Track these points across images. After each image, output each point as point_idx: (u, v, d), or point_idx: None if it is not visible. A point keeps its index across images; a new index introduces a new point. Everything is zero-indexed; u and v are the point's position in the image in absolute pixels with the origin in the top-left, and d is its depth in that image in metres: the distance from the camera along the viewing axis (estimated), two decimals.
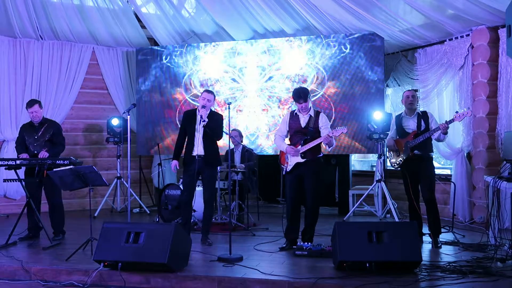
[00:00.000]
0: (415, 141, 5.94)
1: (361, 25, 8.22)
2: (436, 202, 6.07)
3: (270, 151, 9.06)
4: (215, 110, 6.54)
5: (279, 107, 8.96)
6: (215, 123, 6.15)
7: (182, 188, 6.83)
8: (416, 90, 8.29)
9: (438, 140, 6.09)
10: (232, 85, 9.23)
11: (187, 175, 6.20)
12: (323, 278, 4.57)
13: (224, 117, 6.28)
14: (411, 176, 6.06)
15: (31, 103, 6.54)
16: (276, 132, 6.21)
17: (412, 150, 5.96)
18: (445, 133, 5.84)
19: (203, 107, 6.10)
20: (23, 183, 6.27)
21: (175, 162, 6.32)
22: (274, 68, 8.99)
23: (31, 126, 6.61)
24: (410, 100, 6.10)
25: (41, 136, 6.54)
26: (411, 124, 6.12)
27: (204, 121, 6.02)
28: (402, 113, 6.29)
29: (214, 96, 6.30)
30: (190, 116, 6.27)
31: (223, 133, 6.40)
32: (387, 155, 6.44)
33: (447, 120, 5.82)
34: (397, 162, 6.17)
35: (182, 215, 6.31)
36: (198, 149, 6.10)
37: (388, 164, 8.86)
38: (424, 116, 6.09)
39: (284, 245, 5.86)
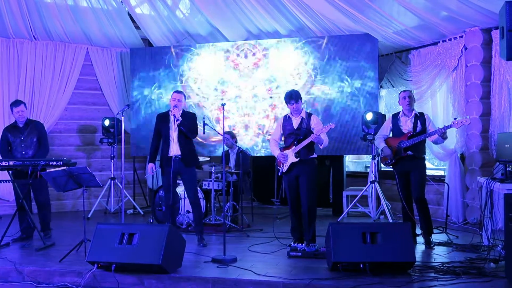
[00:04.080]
0: (409, 142, 5.94)
1: (355, 26, 8.23)
2: (426, 201, 6.07)
3: (263, 152, 9.05)
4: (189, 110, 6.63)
5: (272, 108, 8.96)
6: (189, 121, 6.23)
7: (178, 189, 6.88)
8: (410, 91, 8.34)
9: (436, 142, 6.12)
10: (226, 86, 9.21)
11: (165, 178, 6.27)
12: (317, 279, 4.57)
13: (197, 116, 6.41)
14: (403, 176, 6.08)
15: (17, 103, 6.55)
16: (271, 136, 6.35)
17: (405, 150, 5.98)
18: (444, 137, 5.87)
19: (175, 107, 6.19)
20: (16, 184, 6.24)
21: (151, 164, 6.38)
22: (267, 68, 8.99)
23: (15, 127, 6.58)
24: (407, 101, 6.07)
25: (27, 137, 6.52)
26: (407, 125, 6.10)
27: (178, 120, 6.10)
28: (399, 112, 6.26)
29: (185, 96, 6.43)
30: (163, 117, 6.38)
31: (210, 131, 6.47)
32: (379, 151, 6.42)
33: (445, 126, 5.83)
34: (389, 161, 6.16)
35: (167, 219, 6.34)
36: (174, 149, 6.16)
37: (382, 165, 8.92)
38: (421, 118, 6.07)
39: (291, 243, 5.88)
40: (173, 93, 6.36)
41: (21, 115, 6.51)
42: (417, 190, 6.00)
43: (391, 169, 6.30)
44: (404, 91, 6.28)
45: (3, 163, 6.08)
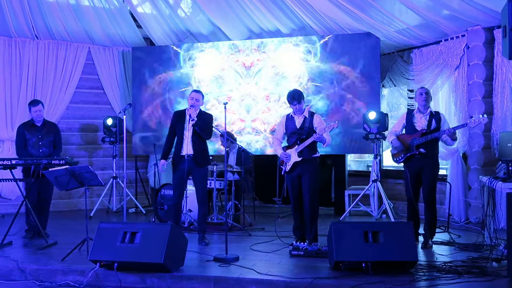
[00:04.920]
0: (422, 139, 5.84)
1: (357, 25, 8.23)
2: (435, 204, 6.00)
3: (267, 152, 9.06)
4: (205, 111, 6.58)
5: (271, 106, 8.96)
6: (204, 122, 6.21)
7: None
8: (411, 91, 8.35)
9: (445, 143, 6.01)
10: (228, 85, 9.21)
11: (176, 175, 6.25)
12: (319, 278, 4.57)
13: (214, 117, 6.34)
14: (414, 175, 5.95)
15: (35, 103, 6.61)
16: (273, 135, 6.34)
17: (417, 147, 5.88)
18: (454, 139, 5.80)
19: (192, 106, 6.17)
20: (19, 183, 6.24)
21: (163, 161, 6.39)
22: (269, 68, 8.98)
23: (33, 126, 6.60)
24: (424, 97, 5.96)
25: (45, 136, 6.56)
26: (422, 122, 5.99)
27: (193, 120, 6.09)
28: (414, 109, 6.17)
29: (203, 96, 6.40)
30: (179, 115, 6.37)
31: (215, 132, 6.43)
32: (390, 146, 6.32)
33: (459, 125, 5.74)
34: (400, 157, 6.07)
35: (171, 216, 6.33)
36: (187, 149, 6.15)
37: (384, 164, 8.92)
38: (436, 116, 5.97)
39: (293, 242, 5.90)
40: (191, 92, 6.35)
41: (39, 115, 6.58)
42: (428, 192, 5.92)
43: (394, 168, 6.29)
44: (422, 87, 6.17)
45: (5, 162, 6.09)
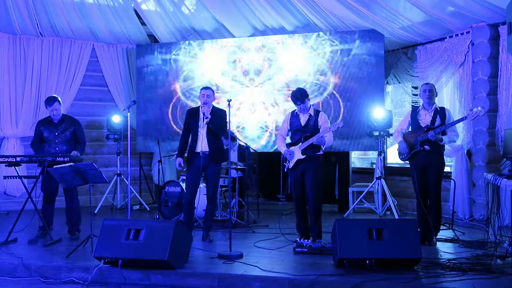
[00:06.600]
0: (427, 135, 5.80)
1: (361, 22, 8.20)
2: (440, 202, 5.97)
3: (270, 149, 9.06)
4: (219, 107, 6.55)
5: (277, 104, 8.96)
6: (218, 119, 6.18)
7: (184, 185, 6.83)
8: (416, 88, 8.32)
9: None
10: (232, 83, 9.21)
11: (190, 172, 6.22)
12: (323, 275, 4.57)
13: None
14: (419, 172, 5.91)
15: (51, 101, 6.40)
16: (278, 132, 6.32)
17: (421, 144, 5.86)
18: (438, 139, 5.77)
19: (205, 103, 6.14)
20: (23, 180, 6.25)
21: (179, 159, 6.34)
22: (273, 65, 8.97)
23: (50, 122, 6.49)
24: (428, 95, 5.91)
25: (62, 133, 6.47)
26: (426, 118, 5.95)
27: (207, 118, 6.06)
28: (419, 106, 6.14)
29: (213, 92, 6.35)
30: (193, 113, 6.34)
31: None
32: (397, 147, 6.29)
33: (459, 119, 5.72)
34: (405, 155, 6.03)
35: (184, 213, 6.31)
36: (202, 146, 6.12)
37: (389, 161, 8.91)
38: (441, 112, 5.92)
39: (297, 239, 5.90)
40: (201, 89, 6.30)
41: (56, 113, 6.41)
42: (433, 188, 5.89)
43: (398, 166, 6.26)
44: (426, 84, 6.09)
45: (10, 159, 6.10)
